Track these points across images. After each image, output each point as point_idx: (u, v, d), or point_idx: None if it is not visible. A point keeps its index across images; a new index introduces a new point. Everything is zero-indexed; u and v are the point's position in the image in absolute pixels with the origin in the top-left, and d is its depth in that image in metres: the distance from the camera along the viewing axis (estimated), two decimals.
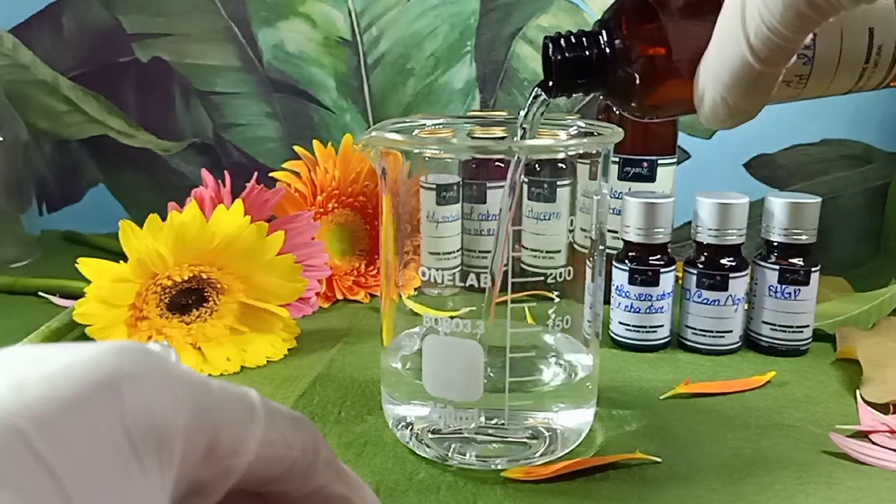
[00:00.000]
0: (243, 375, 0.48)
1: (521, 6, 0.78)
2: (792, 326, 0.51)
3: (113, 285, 0.45)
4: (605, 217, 0.39)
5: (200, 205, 0.51)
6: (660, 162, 0.58)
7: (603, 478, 0.37)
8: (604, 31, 0.32)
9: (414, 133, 0.40)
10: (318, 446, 0.22)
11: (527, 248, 0.38)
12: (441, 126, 0.42)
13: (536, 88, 0.34)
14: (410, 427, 0.39)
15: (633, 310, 0.52)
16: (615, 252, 0.53)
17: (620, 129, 0.37)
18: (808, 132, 0.75)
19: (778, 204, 0.50)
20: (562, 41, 0.33)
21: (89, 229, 0.82)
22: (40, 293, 0.63)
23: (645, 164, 0.58)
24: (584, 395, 0.40)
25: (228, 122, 0.84)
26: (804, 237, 0.50)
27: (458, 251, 0.44)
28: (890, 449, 0.39)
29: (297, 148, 0.63)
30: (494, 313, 0.36)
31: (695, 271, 0.51)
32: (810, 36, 0.28)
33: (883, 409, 0.43)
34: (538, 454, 0.37)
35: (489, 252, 0.36)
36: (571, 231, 0.39)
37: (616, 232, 0.56)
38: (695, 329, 0.52)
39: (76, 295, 0.50)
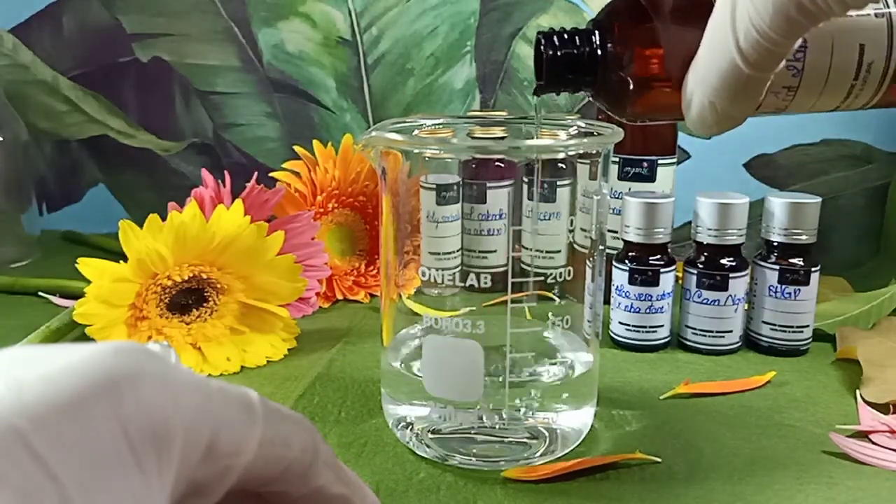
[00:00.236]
0: (243, 375, 0.48)
1: (521, 6, 0.78)
2: (792, 326, 0.51)
3: (113, 285, 0.45)
4: (605, 217, 0.39)
5: (200, 205, 0.51)
6: (660, 162, 0.58)
7: (603, 478, 0.37)
8: (597, 31, 0.32)
9: (414, 133, 0.40)
10: (318, 446, 0.22)
11: (527, 248, 0.38)
12: (441, 126, 0.42)
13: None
14: (410, 427, 0.39)
15: (633, 310, 0.52)
16: (615, 252, 0.53)
17: (620, 129, 0.37)
18: (808, 132, 0.75)
19: (778, 204, 0.50)
20: (554, 38, 0.33)
21: (89, 229, 0.82)
22: (40, 293, 0.63)
23: (645, 164, 0.58)
24: (584, 395, 0.40)
25: (228, 122, 0.84)
26: (804, 237, 0.50)
27: (458, 251, 0.44)
28: (890, 449, 0.39)
29: (297, 148, 0.63)
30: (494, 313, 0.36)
31: (695, 271, 0.51)
32: (800, 45, 0.28)
33: (883, 409, 0.43)
34: (538, 454, 0.37)
35: (489, 252, 0.36)
36: (571, 231, 0.39)
37: (616, 232, 0.56)
38: (695, 329, 0.52)
39: (76, 295, 0.50)
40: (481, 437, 0.37)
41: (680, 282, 0.54)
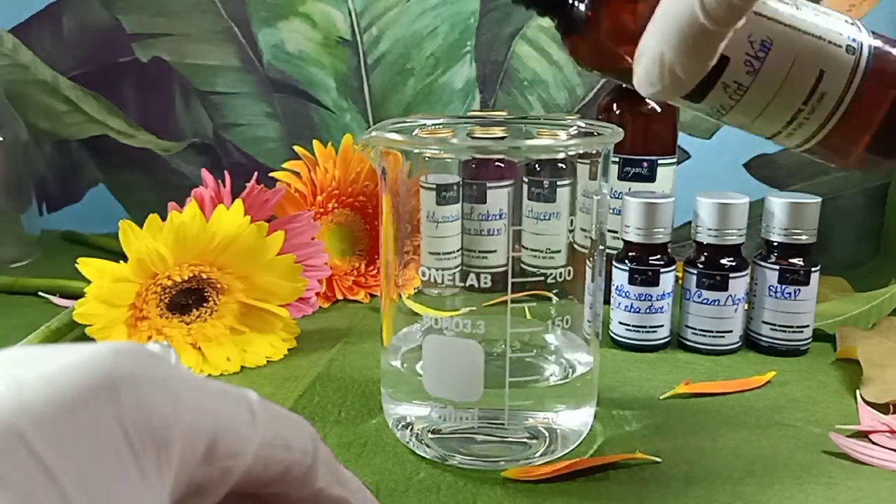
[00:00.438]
0: (243, 375, 0.48)
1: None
2: (792, 326, 0.51)
3: (113, 285, 0.45)
4: (605, 217, 0.39)
5: (200, 205, 0.51)
6: (660, 162, 0.58)
7: (603, 478, 0.37)
8: None
9: (414, 133, 0.40)
10: (318, 448, 0.22)
11: (527, 248, 0.38)
12: (441, 126, 0.42)
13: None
14: (410, 427, 0.39)
15: (633, 310, 0.52)
16: (615, 252, 0.53)
17: (620, 129, 0.37)
18: None
19: (778, 204, 0.50)
20: None
21: (89, 229, 0.82)
22: (40, 293, 0.63)
23: (645, 164, 0.58)
24: (584, 394, 0.40)
25: (228, 122, 0.84)
26: (804, 237, 0.50)
27: (458, 251, 0.44)
28: (890, 449, 0.39)
29: (297, 148, 0.63)
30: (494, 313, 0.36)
31: (695, 271, 0.51)
32: (764, 41, 0.27)
33: (883, 409, 0.43)
34: (538, 454, 0.37)
35: (489, 252, 0.36)
36: (571, 231, 0.39)
37: (616, 232, 0.56)
38: (695, 329, 0.52)
39: (76, 295, 0.50)
40: (481, 437, 0.37)
41: (680, 282, 0.54)
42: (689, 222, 0.53)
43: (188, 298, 0.50)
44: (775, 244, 0.51)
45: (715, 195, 0.51)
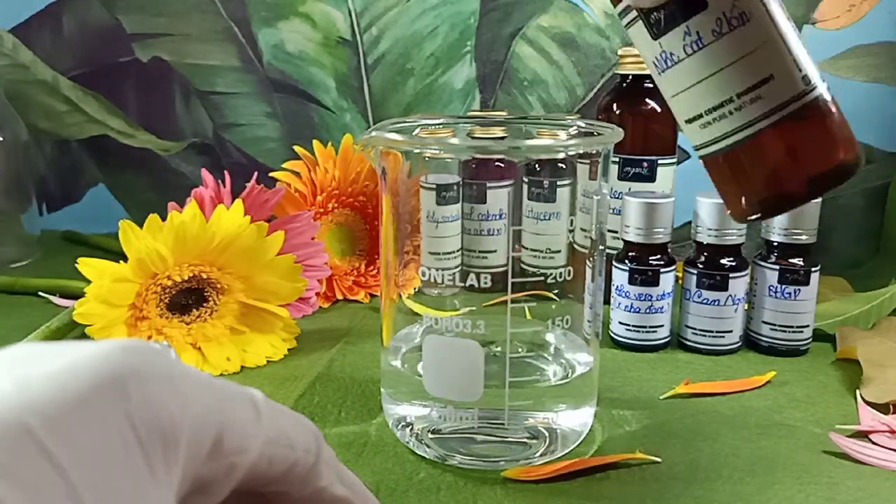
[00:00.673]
0: (243, 375, 0.48)
1: (521, 6, 0.78)
2: (792, 326, 0.51)
3: (113, 285, 0.45)
4: (605, 217, 0.39)
5: (200, 205, 0.51)
6: (660, 162, 0.58)
7: (603, 478, 0.37)
8: None
9: (414, 133, 0.40)
10: (321, 448, 0.22)
11: (527, 248, 0.38)
12: (441, 126, 0.42)
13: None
14: (410, 427, 0.39)
15: (633, 310, 0.52)
16: (615, 252, 0.53)
17: (620, 129, 0.37)
18: None
19: None
20: None
21: (89, 229, 0.82)
22: (40, 293, 0.63)
23: (645, 164, 0.58)
24: (584, 394, 0.40)
25: (228, 122, 0.84)
26: (804, 237, 0.50)
27: (458, 251, 0.44)
28: (890, 449, 0.39)
29: (297, 148, 0.63)
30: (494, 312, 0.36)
31: (695, 271, 0.51)
32: (745, 11, 0.27)
33: (883, 409, 0.43)
34: (538, 454, 0.37)
35: (489, 252, 0.36)
36: (571, 231, 0.39)
37: (616, 232, 0.56)
38: (695, 329, 0.52)
39: (76, 295, 0.50)
40: (481, 437, 0.38)
41: (680, 282, 0.54)
42: (689, 222, 0.53)
43: (188, 298, 0.50)
44: (775, 244, 0.51)
45: (715, 195, 0.51)
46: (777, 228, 0.51)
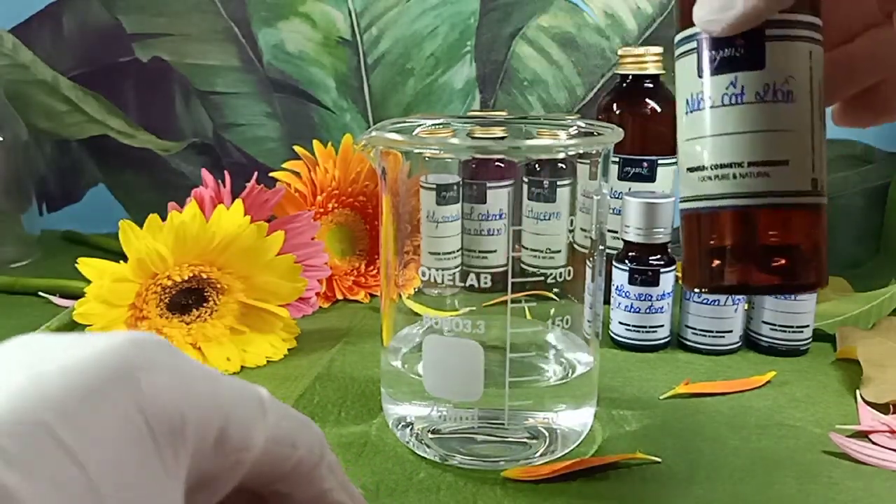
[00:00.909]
0: (243, 375, 0.48)
1: (521, 6, 0.78)
2: (792, 326, 0.51)
3: (113, 285, 0.45)
4: (605, 217, 0.39)
5: (200, 205, 0.51)
6: (660, 162, 0.58)
7: (603, 478, 0.37)
8: None
9: (414, 133, 0.40)
10: (324, 450, 0.22)
11: (527, 248, 0.38)
12: (441, 126, 0.42)
13: None
14: (410, 427, 0.39)
15: (633, 310, 0.52)
16: (615, 252, 0.53)
17: (620, 129, 0.37)
18: None
19: None
20: None
21: (89, 229, 0.82)
22: (40, 293, 0.63)
23: (645, 164, 0.58)
24: (584, 394, 0.40)
25: (228, 122, 0.84)
26: None
27: (458, 251, 0.44)
28: (890, 449, 0.39)
29: (297, 148, 0.63)
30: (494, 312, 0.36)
31: None
32: (788, 92, 0.27)
33: (883, 409, 0.43)
34: (538, 454, 0.37)
35: (489, 252, 0.36)
36: (571, 231, 0.39)
37: (616, 232, 0.56)
38: (695, 329, 0.52)
39: (76, 295, 0.50)
40: (481, 437, 0.37)
41: (680, 282, 0.54)
42: None
43: (188, 298, 0.50)
44: None
45: None
46: None
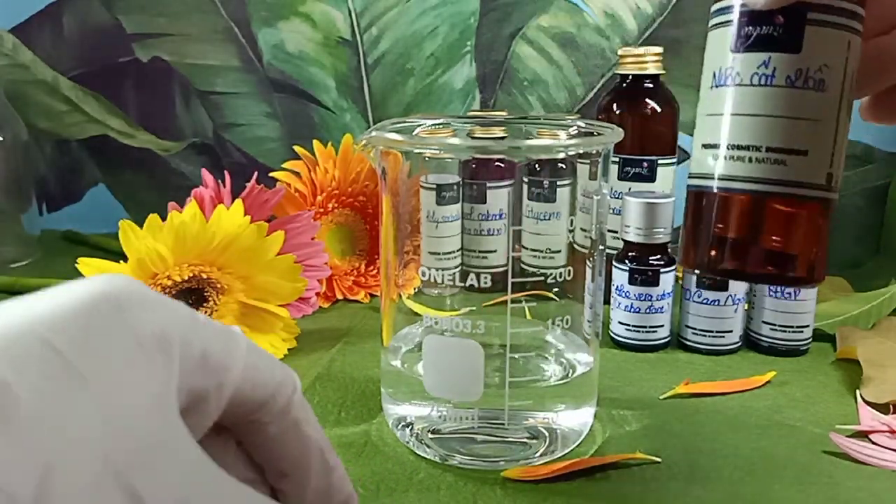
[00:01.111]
0: None
1: (521, 6, 0.78)
2: (792, 326, 0.51)
3: None
4: (605, 217, 0.39)
5: (200, 205, 0.51)
6: (660, 162, 0.58)
7: (603, 478, 0.37)
8: None
9: (414, 133, 0.40)
10: (296, 384, 0.24)
11: (527, 248, 0.38)
12: (441, 126, 0.42)
13: None
14: (410, 427, 0.39)
15: (633, 310, 0.52)
16: (615, 252, 0.53)
17: (620, 129, 0.37)
18: None
19: None
20: None
21: (89, 229, 0.82)
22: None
23: (645, 164, 0.58)
24: (584, 394, 0.40)
25: (228, 122, 0.84)
26: None
27: (458, 251, 0.44)
28: (890, 449, 0.39)
29: (297, 148, 0.63)
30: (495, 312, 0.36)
31: None
32: (820, 80, 0.26)
33: (883, 409, 0.43)
34: (538, 454, 0.37)
35: (489, 252, 0.36)
36: (571, 231, 0.39)
37: (616, 232, 0.56)
38: (695, 329, 0.52)
39: None
40: (481, 437, 0.37)
41: (680, 282, 0.54)
42: None
43: (188, 298, 0.50)
44: None
45: None
46: None
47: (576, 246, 0.39)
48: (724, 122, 0.28)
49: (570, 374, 0.40)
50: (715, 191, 0.28)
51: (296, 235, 0.54)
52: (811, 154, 0.27)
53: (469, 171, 0.42)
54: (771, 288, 0.51)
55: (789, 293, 0.51)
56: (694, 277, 0.51)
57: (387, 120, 0.41)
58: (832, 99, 0.27)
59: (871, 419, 0.42)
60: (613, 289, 0.53)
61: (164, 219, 0.46)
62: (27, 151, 0.77)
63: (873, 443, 0.40)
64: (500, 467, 0.37)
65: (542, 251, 0.39)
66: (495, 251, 0.44)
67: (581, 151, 0.38)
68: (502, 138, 0.42)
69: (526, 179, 0.39)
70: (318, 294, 0.57)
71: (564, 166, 0.39)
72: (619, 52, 0.59)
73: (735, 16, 0.27)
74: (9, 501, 0.15)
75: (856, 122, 0.30)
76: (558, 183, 0.39)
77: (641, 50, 0.58)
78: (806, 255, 0.29)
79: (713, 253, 0.28)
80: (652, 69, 0.58)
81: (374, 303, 0.63)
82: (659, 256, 0.51)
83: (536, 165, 0.40)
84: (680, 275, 0.54)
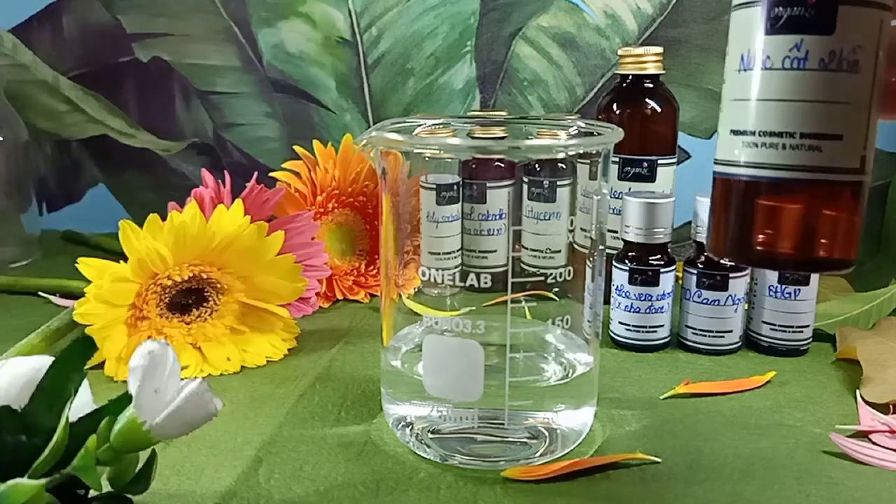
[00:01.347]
0: (243, 375, 0.48)
1: (521, 6, 0.78)
2: (792, 326, 0.51)
3: (113, 285, 0.45)
4: (605, 217, 0.39)
5: (200, 205, 0.51)
6: (660, 162, 0.58)
7: (603, 478, 0.37)
8: None
9: (414, 133, 0.40)
10: None
11: (527, 248, 0.38)
12: (441, 126, 0.42)
13: None
14: (410, 427, 0.39)
15: (633, 310, 0.52)
16: (615, 252, 0.53)
17: (620, 129, 0.37)
18: None
19: None
20: None
21: (89, 229, 0.82)
22: (40, 293, 0.63)
23: (645, 164, 0.58)
24: (584, 394, 0.40)
25: (228, 122, 0.84)
26: None
27: (458, 251, 0.44)
28: (890, 449, 0.39)
29: (297, 148, 0.63)
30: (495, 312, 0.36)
31: (695, 271, 0.51)
32: (854, 62, 0.25)
33: (883, 409, 0.43)
34: (538, 454, 0.37)
35: (489, 252, 0.36)
36: (571, 231, 0.39)
37: (616, 232, 0.56)
38: (695, 329, 0.52)
39: (76, 295, 0.50)
40: (481, 437, 0.37)
41: (680, 282, 0.54)
42: (689, 222, 0.53)
43: (188, 298, 0.50)
44: None
45: None
46: None
47: (576, 246, 0.39)
48: (755, 107, 0.27)
49: (570, 374, 0.40)
50: (746, 179, 0.27)
51: (296, 235, 0.54)
52: (846, 138, 0.26)
53: (469, 171, 0.42)
54: (771, 288, 0.51)
55: (789, 293, 0.51)
56: (694, 277, 0.51)
57: (387, 120, 0.41)
58: (865, 80, 0.26)
59: (871, 419, 0.42)
60: (613, 289, 0.53)
61: (164, 219, 0.46)
62: (27, 151, 0.77)
63: (873, 443, 0.40)
64: (500, 467, 0.37)
65: (542, 251, 0.39)
66: (495, 251, 0.44)
67: (581, 151, 0.38)
68: (502, 138, 0.42)
69: (526, 179, 0.39)
70: (318, 294, 0.57)
71: (564, 166, 0.39)
72: (619, 53, 0.59)
73: None
74: None
75: None
76: (558, 183, 0.39)
77: (641, 50, 0.58)
78: (843, 240, 0.28)
79: (748, 241, 0.28)
80: (652, 69, 0.58)
81: (374, 303, 0.63)
82: (659, 256, 0.51)
83: (536, 165, 0.40)
84: (680, 275, 0.54)
